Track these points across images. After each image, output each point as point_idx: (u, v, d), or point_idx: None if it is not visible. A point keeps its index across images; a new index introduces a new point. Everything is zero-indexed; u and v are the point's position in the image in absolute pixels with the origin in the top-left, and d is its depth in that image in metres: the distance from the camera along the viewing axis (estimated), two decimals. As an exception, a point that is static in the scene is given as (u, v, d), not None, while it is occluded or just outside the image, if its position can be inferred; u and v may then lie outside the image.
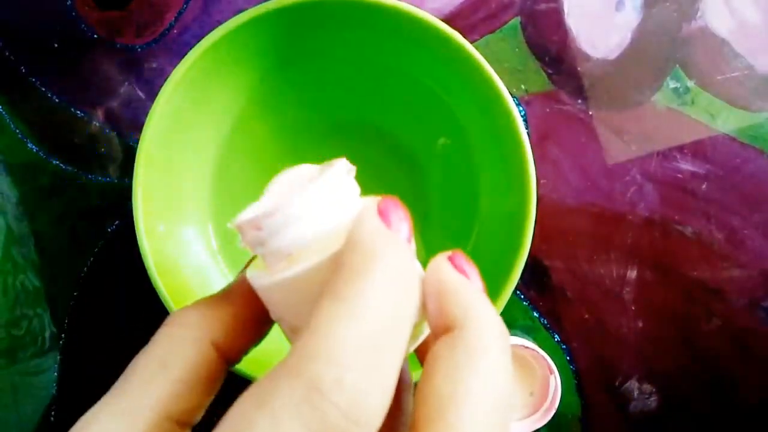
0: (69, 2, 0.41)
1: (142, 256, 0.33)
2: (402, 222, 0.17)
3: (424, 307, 0.17)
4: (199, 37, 0.33)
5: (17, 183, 0.41)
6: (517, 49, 0.41)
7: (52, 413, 0.41)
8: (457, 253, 0.19)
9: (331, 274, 0.16)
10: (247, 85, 0.36)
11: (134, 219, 0.33)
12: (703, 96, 0.41)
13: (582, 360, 0.41)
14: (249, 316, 0.19)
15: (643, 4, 0.41)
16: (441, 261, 0.18)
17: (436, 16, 0.33)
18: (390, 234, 0.16)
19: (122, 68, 0.41)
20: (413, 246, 0.18)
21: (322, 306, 0.15)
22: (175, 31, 0.41)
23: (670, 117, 0.41)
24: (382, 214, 0.17)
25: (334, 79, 0.38)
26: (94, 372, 0.41)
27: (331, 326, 0.14)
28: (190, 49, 0.32)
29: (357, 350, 0.14)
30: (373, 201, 0.18)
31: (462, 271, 0.18)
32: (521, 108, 0.41)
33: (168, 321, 0.18)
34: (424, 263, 0.18)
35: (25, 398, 0.41)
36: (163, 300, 0.32)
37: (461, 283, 0.17)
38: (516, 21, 0.41)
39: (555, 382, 0.37)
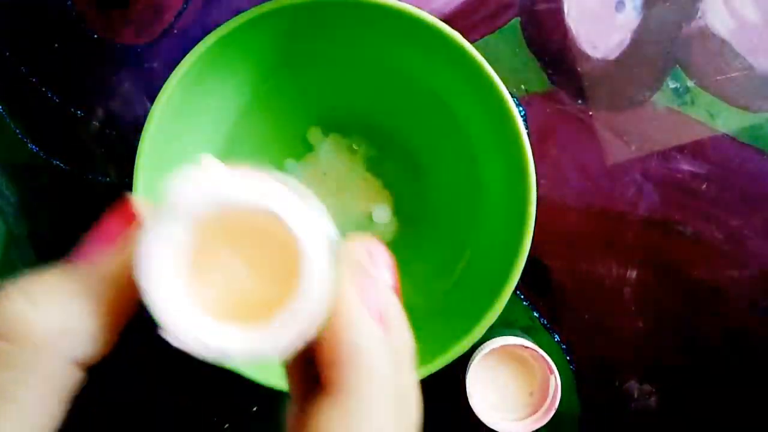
0: (69, 2, 0.41)
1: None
2: (385, 269, 0.17)
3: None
4: (198, 38, 0.32)
5: (17, 183, 0.41)
6: (517, 49, 0.41)
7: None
8: (372, 243, 0.17)
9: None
10: (246, 86, 0.36)
11: (134, 219, 0.33)
12: (703, 96, 0.41)
13: (582, 360, 0.41)
14: (121, 313, 0.15)
15: (643, 5, 0.41)
16: (347, 280, 0.16)
17: (436, 16, 0.33)
18: (386, 340, 0.15)
19: (122, 68, 0.41)
20: (397, 287, 0.17)
21: None
22: (174, 31, 0.41)
23: (670, 117, 0.41)
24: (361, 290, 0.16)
25: (333, 79, 0.38)
26: (94, 372, 0.41)
27: None
28: (190, 49, 0.32)
29: None
30: (347, 278, 0.16)
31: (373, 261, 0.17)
32: (521, 108, 0.41)
33: (8, 329, 0.14)
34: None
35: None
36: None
37: (358, 318, 0.15)
38: (516, 21, 0.41)
39: (555, 382, 0.37)
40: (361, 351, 0.15)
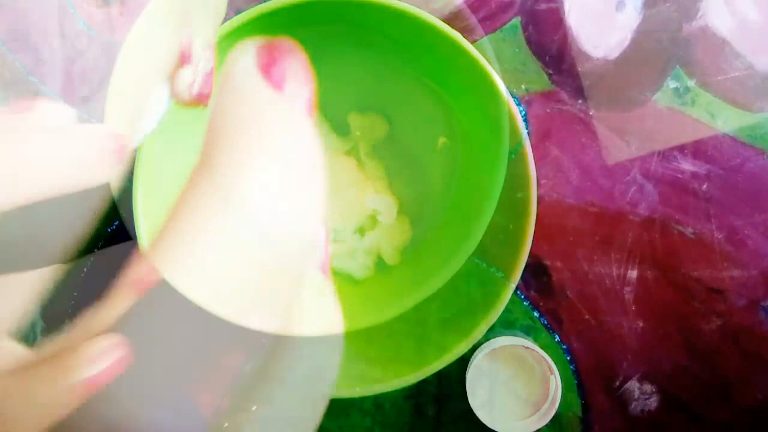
0: (69, 1, 0.41)
1: (142, 257, 0.32)
2: (301, 86, 0.10)
3: None
4: (199, 37, 0.32)
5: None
6: (517, 49, 0.41)
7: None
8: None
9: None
10: (247, 85, 0.36)
11: (134, 219, 0.33)
12: (703, 96, 0.41)
13: (582, 360, 0.41)
14: None
15: (643, 4, 0.41)
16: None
17: (436, 16, 0.32)
18: (282, 101, 0.10)
19: (122, 68, 0.41)
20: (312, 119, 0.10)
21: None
22: (174, 31, 0.41)
23: (670, 117, 0.41)
24: (267, 68, 0.10)
25: (334, 79, 0.38)
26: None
27: None
28: (190, 49, 0.32)
29: None
30: (249, 45, 0.10)
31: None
32: (521, 108, 0.41)
33: None
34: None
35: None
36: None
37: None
38: (516, 21, 0.41)
39: (555, 382, 0.37)
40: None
